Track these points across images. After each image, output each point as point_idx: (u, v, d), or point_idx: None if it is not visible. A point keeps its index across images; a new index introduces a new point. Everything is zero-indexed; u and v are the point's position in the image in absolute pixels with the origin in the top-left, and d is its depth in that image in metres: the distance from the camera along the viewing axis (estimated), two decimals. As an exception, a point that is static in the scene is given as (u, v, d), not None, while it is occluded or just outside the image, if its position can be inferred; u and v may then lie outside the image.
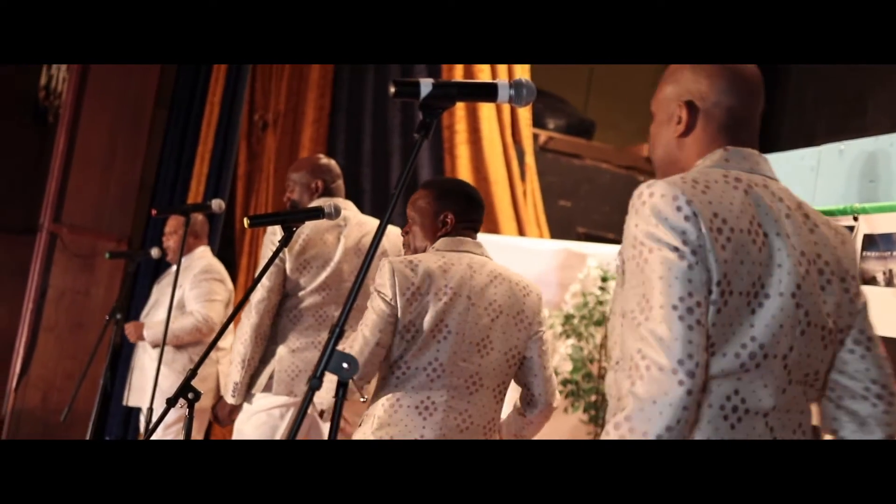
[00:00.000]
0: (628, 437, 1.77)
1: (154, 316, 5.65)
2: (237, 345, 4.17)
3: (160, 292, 5.79)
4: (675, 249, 1.83)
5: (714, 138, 2.06)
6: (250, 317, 4.14)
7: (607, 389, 2.03)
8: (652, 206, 1.87)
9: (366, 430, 3.03)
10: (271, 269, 4.14)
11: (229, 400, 4.21)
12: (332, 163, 4.50)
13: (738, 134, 2.07)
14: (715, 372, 1.86)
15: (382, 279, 3.04)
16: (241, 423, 4.23)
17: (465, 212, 3.23)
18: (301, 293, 4.24)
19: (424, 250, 3.21)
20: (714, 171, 1.98)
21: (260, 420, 4.16)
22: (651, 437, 1.75)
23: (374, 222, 4.46)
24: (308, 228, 4.24)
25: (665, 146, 2.12)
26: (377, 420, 3.02)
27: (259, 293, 4.14)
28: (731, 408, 1.87)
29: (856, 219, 3.23)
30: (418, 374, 3.02)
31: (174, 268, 5.36)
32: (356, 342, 3.01)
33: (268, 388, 4.18)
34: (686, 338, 1.78)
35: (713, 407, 1.86)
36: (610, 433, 1.80)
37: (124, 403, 5.91)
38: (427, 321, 3.03)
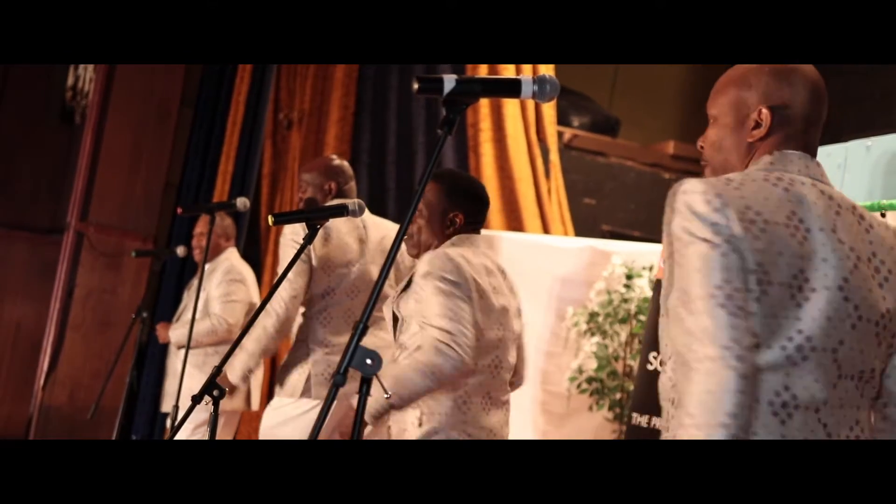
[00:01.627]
0: (696, 434, 1.77)
1: (184, 319, 5.68)
2: (259, 333, 4.16)
3: (190, 297, 5.81)
4: (707, 241, 1.86)
5: (783, 143, 2.05)
6: (279, 311, 4.13)
7: (661, 392, 2.03)
8: (685, 202, 1.91)
9: (433, 425, 3.01)
10: (300, 267, 4.16)
11: (236, 382, 4.23)
12: (345, 164, 4.49)
13: (806, 139, 2.06)
14: (762, 365, 1.85)
15: (459, 275, 3.00)
16: (276, 427, 4.19)
17: (475, 213, 3.22)
18: (330, 295, 4.23)
19: (430, 245, 3.18)
20: (755, 173, 1.99)
21: (303, 423, 4.15)
22: (717, 428, 1.75)
23: (387, 223, 4.47)
24: (331, 231, 4.24)
25: (734, 150, 2.10)
26: (443, 416, 3.01)
27: (289, 290, 4.15)
28: (781, 403, 1.87)
29: (883, 215, 3.20)
30: (483, 372, 3.06)
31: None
32: (463, 337, 2.93)
33: (306, 391, 4.15)
34: (729, 324, 1.80)
35: (761, 402, 1.86)
36: (677, 433, 1.81)
37: (162, 410, 5.92)
38: (489, 323, 3.06)
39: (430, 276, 3.00)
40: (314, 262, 4.20)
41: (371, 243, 4.34)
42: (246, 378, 4.24)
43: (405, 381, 2.90)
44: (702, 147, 2.18)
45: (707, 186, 1.91)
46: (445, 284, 2.98)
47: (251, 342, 4.19)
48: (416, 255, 3.24)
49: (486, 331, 3.04)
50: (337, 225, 4.24)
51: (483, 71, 6.82)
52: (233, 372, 4.23)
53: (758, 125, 2.06)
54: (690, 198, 1.91)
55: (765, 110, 2.05)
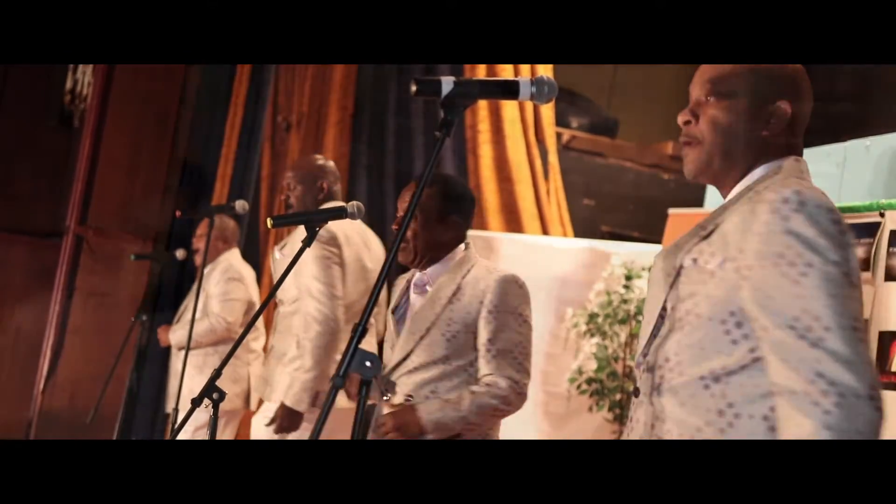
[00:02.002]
0: None
1: (184, 320, 5.68)
2: (319, 355, 4.04)
3: (190, 298, 5.80)
4: (838, 265, 1.74)
5: (792, 146, 2.01)
6: (332, 324, 4.06)
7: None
8: (809, 215, 1.76)
9: (487, 433, 3.08)
10: (337, 272, 4.11)
11: (304, 409, 4.05)
12: (332, 164, 4.47)
13: (801, 144, 2.04)
14: None
15: (528, 307, 3.09)
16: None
17: (470, 216, 3.22)
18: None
19: (427, 251, 3.15)
20: (809, 186, 1.89)
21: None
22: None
23: (371, 232, 4.45)
24: (349, 233, 4.21)
25: (745, 139, 1.99)
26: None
27: (331, 298, 4.07)
28: None
29: (882, 214, 3.20)
30: None
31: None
32: (528, 377, 3.05)
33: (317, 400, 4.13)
34: (870, 361, 1.71)
35: None
36: None
37: (165, 411, 5.91)
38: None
39: (509, 302, 3.04)
40: (345, 264, 4.16)
41: (372, 252, 4.33)
42: (313, 402, 4.03)
43: (484, 415, 2.99)
44: (688, 122, 2.05)
45: (830, 203, 1.77)
46: (520, 315, 3.05)
47: (309, 365, 4.03)
48: (411, 262, 3.17)
49: None
50: (344, 227, 4.21)
51: (481, 71, 6.82)
52: (299, 402, 4.02)
53: (772, 120, 1.99)
54: (817, 213, 1.76)
55: (786, 105, 1.98)
